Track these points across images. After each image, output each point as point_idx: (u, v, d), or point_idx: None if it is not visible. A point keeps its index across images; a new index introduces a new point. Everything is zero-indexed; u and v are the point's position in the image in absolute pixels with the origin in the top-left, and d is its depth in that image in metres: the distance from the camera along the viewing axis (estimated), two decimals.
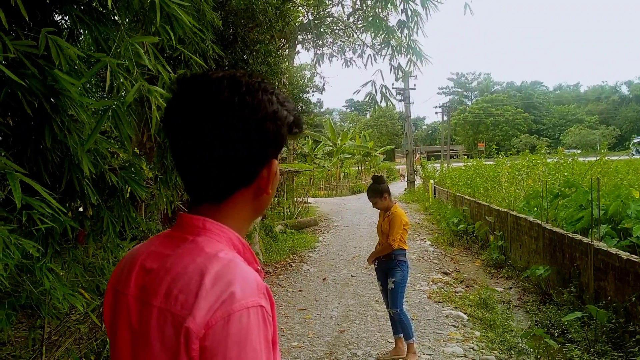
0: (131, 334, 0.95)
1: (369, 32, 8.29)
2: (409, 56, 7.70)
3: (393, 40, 7.86)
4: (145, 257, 0.99)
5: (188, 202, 1.11)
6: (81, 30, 2.69)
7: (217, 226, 0.97)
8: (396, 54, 7.92)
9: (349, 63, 12.30)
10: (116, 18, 2.72)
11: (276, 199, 15.87)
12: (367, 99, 8.01)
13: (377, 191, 4.93)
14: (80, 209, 3.35)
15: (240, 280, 0.87)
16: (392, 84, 31.43)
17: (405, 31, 7.42)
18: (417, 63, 7.59)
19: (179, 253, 0.94)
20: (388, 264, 4.93)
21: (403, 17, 7.37)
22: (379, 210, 5.11)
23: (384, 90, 7.94)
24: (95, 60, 2.29)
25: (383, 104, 8.28)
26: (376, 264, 5.08)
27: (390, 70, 8.28)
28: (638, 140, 47.81)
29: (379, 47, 8.57)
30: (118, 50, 2.38)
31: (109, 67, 2.19)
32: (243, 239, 1.01)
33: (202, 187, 0.98)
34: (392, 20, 8.52)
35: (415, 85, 39.46)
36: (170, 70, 2.69)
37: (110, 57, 2.21)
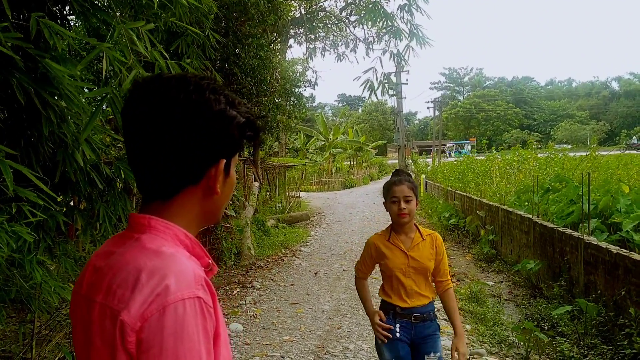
0: (83, 332, 0.97)
1: (367, 21, 8.23)
2: (407, 43, 7.63)
3: (393, 25, 7.79)
4: (97, 257, 1.02)
5: None
6: (73, 20, 2.66)
7: (161, 223, 0.99)
8: (397, 40, 7.86)
9: (341, 57, 12.28)
10: (109, 11, 2.70)
11: (268, 193, 15.84)
12: (364, 87, 7.84)
13: (414, 185, 2.76)
14: (72, 204, 3.33)
15: (175, 273, 0.89)
16: (385, 77, 31.31)
17: (407, 16, 7.36)
18: (415, 49, 7.55)
19: (122, 251, 0.97)
20: (425, 328, 2.85)
21: (403, 1, 7.31)
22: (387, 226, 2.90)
23: (384, 79, 7.84)
24: (91, 47, 2.27)
25: (380, 96, 8.14)
26: (397, 327, 2.80)
27: (390, 57, 8.23)
28: (636, 138, 48.26)
29: (380, 34, 8.50)
30: (113, 37, 2.35)
31: (105, 55, 2.17)
32: (190, 234, 1.02)
33: (150, 184, 1.00)
34: (392, 6, 8.52)
35: (407, 80, 39.48)
36: (167, 57, 2.67)
37: (106, 44, 2.19)
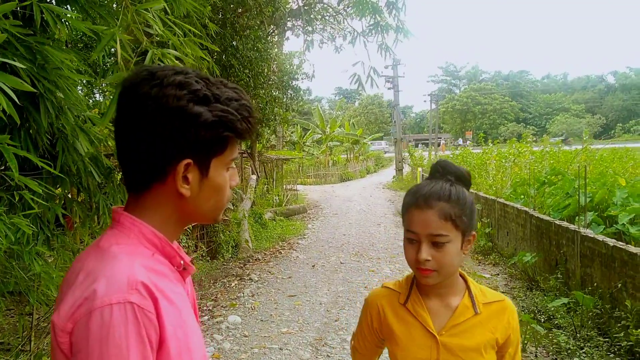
0: None
1: (357, 14, 8.32)
2: (395, 36, 7.78)
3: (380, 20, 7.90)
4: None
5: None
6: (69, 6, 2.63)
7: (129, 219, 0.98)
8: (384, 34, 7.98)
9: (339, 50, 12.25)
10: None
11: (266, 186, 15.84)
12: (353, 79, 8.05)
13: (462, 206, 1.38)
14: (70, 196, 3.32)
15: (107, 276, 0.87)
16: (382, 72, 31.38)
17: (394, 11, 7.49)
18: (404, 42, 7.74)
19: (86, 249, 0.99)
20: None
21: None
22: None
23: (371, 72, 7.99)
24: (88, 37, 2.26)
25: (368, 87, 8.36)
26: None
27: (378, 49, 8.31)
28: None
29: (368, 28, 8.60)
30: (125, 20, 2.33)
31: (118, 40, 2.15)
32: (160, 234, 0.99)
33: (125, 174, 1.01)
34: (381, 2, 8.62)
35: (404, 73, 39.48)
36: (181, 34, 2.65)
37: (116, 29, 2.17)
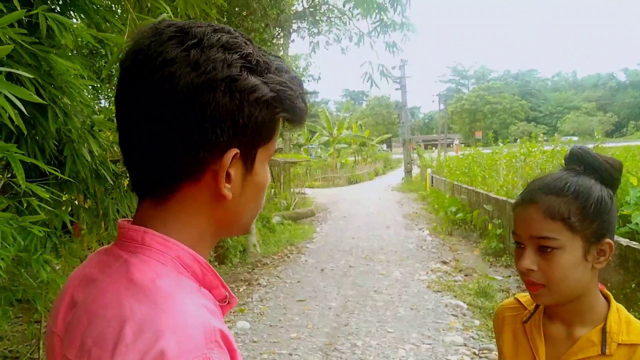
0: None
1: (362, 14, 8.37)
2: (402, 33, 7.84)
3: (385, 17, 7.95)
4: (77, 283, 0.76)
5: None
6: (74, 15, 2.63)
7: (159, 240, 0.70)
8: (389, 31, 8.04)
9: (345, 51, 12.22)
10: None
11: (273, 190, 15.84)
12: (364, 78, 8.11)
13: (578, 202, 1.07)
14: (77, 202, 3.31)
15: (175, 329, 0.61)
16: (390, 72, 31.32)
17: (399, 8, 7.53)
18: (409, 39, 7.79)
19: (104, 281, 0.71)
20: None
21: None
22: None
23: (381, 68, 8.06)
24: (92, 45, 2.25)
25: (375, 87, 8.49)
26: None
27: (385, 48, 8.35)
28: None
29: (373, 26, 8.65)
30: (130, 28, 2.33)
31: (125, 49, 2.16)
32: (200, 256, 0.73)
33: (137, 172, 0.73)
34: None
35: (411, 73, 39.41)
36: None
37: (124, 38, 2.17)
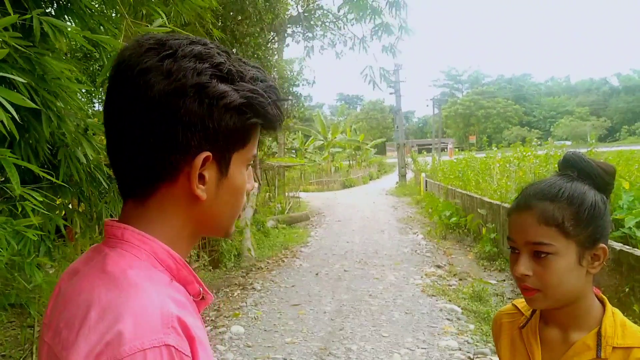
0: None
1: (356, 18, 8.47)
2: (397, 35, 7.93)
3: (381, 20, 8.04)
4: (65, 276, 0.81)
5: None
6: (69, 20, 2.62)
7: (137, 236, 0.76)
8: (387, 35, 8.15)
9: (339, 55, 12.26)
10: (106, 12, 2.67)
11: (267, 194, 15.82)
12: (366, 80, 8.26)
13: (572, 208, 1.08)
14: (70, 206, 3.30)
15: (134, 313, 0.66)
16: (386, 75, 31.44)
17: (396, 11, 7.61)
18: (403, 40, 7.94)
19: (83, 272, 0.77)
20: None
21: None
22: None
23: (383, 72, 8.18)
24: (87, 48, 2.24)
25: (382, 87, 8.73)
26: None
27: (382, 50, 8.45)
28: None
29: (373, 30, 8.72)
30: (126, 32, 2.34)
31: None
32: (175, 253, 0.78)
33: (120, 174, 0.79)
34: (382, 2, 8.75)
35: (405, 77, 39.59)
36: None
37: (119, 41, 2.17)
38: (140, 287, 0.70)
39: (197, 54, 0.74)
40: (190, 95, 0.72)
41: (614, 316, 1.11)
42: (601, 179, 1.11)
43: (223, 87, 0.74)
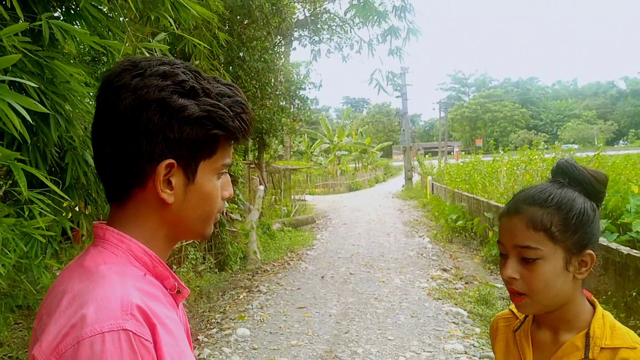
0: None
1: (362, 21, 8.53)
2: (404, 37, 7.98)
3: (388, 24, 8.08)
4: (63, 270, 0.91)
5: None
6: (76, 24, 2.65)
7: (115, 235, 0.86)
8: (393, 37, 8.20)
9: (346, 59, 12.28)
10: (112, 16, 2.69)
11: (273, 197, 15.84)
12: (374, 85, 8.39)
13: (561, 213, 1.10)
14: (77, 209, 3.32)
15: (97, 300, 0.75)
16: (393, 79, 31.48)
17: (402, 14, 7.65)
18: (415, 44, 8.03)
19: (67, 266, 0.87)
20: None
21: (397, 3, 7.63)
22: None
23: (389, 75, 8.26)
24: (102, 47, 2.27)
25: (389, 91, 8.86)
26: None
27: (389, 53, 8.49)
28: None
29: (382, 35, 8.78)
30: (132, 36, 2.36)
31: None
32: (151, 251, 0.87)
33: (103, 181, 0.89)
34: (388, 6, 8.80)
35: (412, 81, 39.56)
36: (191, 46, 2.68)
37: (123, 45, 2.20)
38: (108, 279, 0.79)
39: (162, 73, 0.84)
40: (152, 109, 0.82)
41: (603, 318, 1.13)
42: (592, 186, 1.13)
43: (183, 101, 0.83)
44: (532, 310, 1.14)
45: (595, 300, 1.17)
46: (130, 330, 0.74)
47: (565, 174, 1.15)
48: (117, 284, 0.79)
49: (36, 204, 2.17)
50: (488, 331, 5.52)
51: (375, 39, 8.90)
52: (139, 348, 0.74)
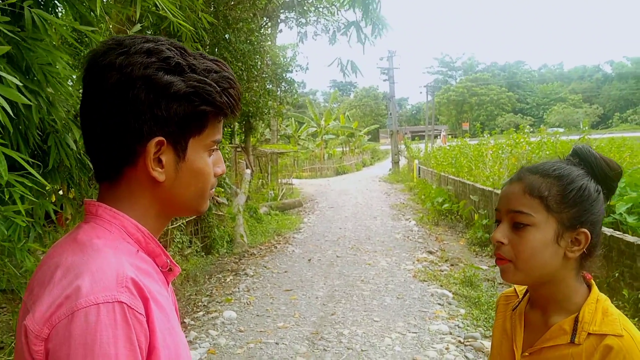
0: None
1: (349, 3, 8.46)
2: (374, 27, 8.01)
3: (358, 12, 8.13)
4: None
5: None
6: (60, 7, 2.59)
7: (109, 212, 0.86)
8: (361, 25, 8.29)
9: (332, 41, 12.17)
10: None
11: (260, 180, 15.80)
12: (339, 68, 8.72)
13: (558, 184, 1.09)
14: (60, 192, 3.28)
15: (92, 272, 0.75)
16: (377, 64, 31.39)
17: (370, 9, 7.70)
18: (382, 32, 8.00)
19: (58, 242, 0.87)
20: None
21: None
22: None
23: (349, 65, 8.83)
24: (78, 35, 2.22)
25: (352, 76, 9.22)
26: None
27: (357, 39, 8.61)
28: None
29: (343, 29, 8.90)
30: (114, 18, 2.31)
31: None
32: (144, 227, 0.87)
33: (93, 160, 0.89)
34: None
35: (399, 64, 39.47)
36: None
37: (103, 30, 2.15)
38: (102, 252, 0.79)
39: (147, 50, 0.83)
40: (138, 86, 0.81)
41: (597, 303, 1.10)
42: (601, 169, 1.11)
43: (169, 78, 0.83)
44: (514, 278, 1.11)
45: (594, 283, 1.14)
46: (125, 303, 0.74)
47: (577, 155, 1.14)
48: (112, 256, 0.79)
49: (16, 187, 2.14)
50: (472, 312, 5.60)
51: (344, 31, 8.98)
52: (133, 321, 0.74)
